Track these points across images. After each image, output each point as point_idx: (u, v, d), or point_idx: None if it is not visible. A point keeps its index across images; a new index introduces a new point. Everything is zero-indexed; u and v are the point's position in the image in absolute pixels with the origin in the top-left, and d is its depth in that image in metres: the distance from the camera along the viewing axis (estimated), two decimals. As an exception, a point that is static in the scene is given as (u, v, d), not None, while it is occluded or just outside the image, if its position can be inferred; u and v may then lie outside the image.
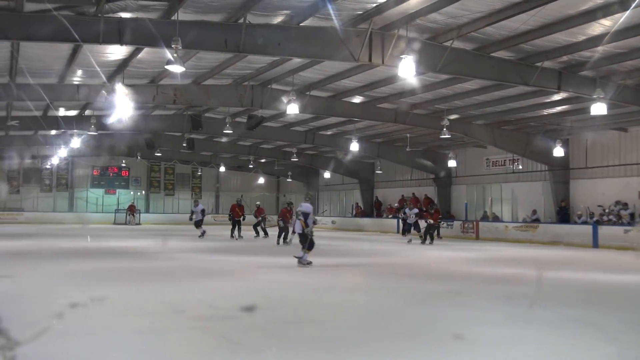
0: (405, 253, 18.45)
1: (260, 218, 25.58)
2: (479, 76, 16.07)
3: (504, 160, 28.74)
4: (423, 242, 22.70)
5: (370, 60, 14.11)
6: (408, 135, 27.79)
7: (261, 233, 25.08)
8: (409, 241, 23.05)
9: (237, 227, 24.04)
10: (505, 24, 12.99)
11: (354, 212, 38.83)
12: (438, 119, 22.11)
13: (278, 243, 21.02)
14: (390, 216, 34.51)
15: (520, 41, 14.10)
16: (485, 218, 28.74)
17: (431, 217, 23.01)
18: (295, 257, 13.42)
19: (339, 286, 10.83)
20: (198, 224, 24.25)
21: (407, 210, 24.99)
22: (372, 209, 37.60)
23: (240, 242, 21.87)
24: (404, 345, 6.08)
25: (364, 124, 26.38)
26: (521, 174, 27.93)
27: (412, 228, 23.97)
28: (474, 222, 27.67)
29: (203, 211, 24.71)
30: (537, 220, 25.43)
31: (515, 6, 12.01)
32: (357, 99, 21.51)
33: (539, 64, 15.44)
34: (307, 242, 13.28)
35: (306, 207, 13.69)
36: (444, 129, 21.39)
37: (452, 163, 29.13)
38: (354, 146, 27.02)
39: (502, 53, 15.21)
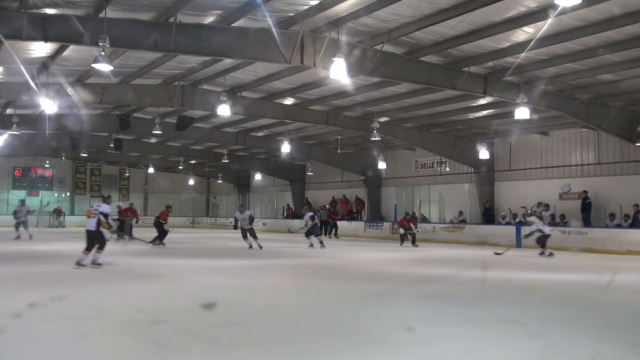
0: (336, 254, 18.58)
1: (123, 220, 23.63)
2: (409, 80, 16.36)
3: (432, 163, 29.35)
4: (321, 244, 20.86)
5: (302, 62, 14.16)
6: (339, 137, 28.03)
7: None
8: (311, 245, 21.03)
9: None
10: (434, 29, 13.29)
11: (285, 214, 38.84)
12: (368, 121, 22.38)
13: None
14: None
15: (449, 46, 14.46)
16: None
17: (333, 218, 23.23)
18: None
19: (269, 287, 10.82)
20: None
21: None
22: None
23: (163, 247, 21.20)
24: (335, 346, 6.13)
25: (295, 126, 26.44)
26: (448, 176, 28.60)
27: (316, 231, 21.66)
28: (403, 223, 28.12)
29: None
30: (463, 222, 26.10)
31: (443, 12, 12.29)
32: (288, 101, 21.54)
33: (466, 69, 15.86)
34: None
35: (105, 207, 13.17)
36: (374, 132, 21.66)
37: (381, 165, 29.54)
38: (286, 147, 27.07)
39: (431, 57, 15.55)
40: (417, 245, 22.20)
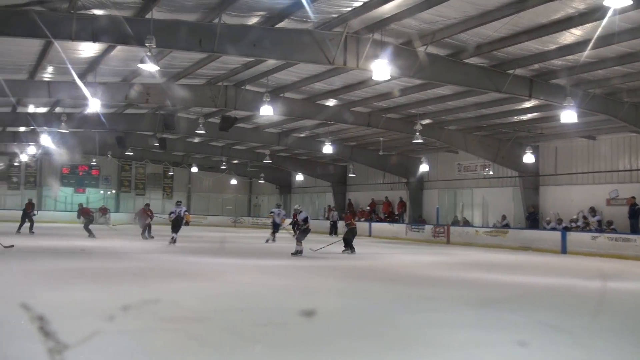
0: (377, 256, 18.52)
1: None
2: (453, 82, 16.22)
3: (476, 166, 29.00)
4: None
5: (344, 63, 14.15)
6: (381, 139, 27.93)
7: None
8: (267, 241, 23.88)
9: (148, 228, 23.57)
10: (479, 31, 13.13)
11: (326, 215, 38.85)
12: (411, 123, 22.23)
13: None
14: (363, 219, 34.62)
15: (493, 48, 14.27)
16: (456, 222, 28.97)
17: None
18: None
19: (309, 288, 10.83)
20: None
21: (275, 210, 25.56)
22: (344, 211, 37.62)
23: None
24: (374, 349, 6.10)
25: (337, 127, 26.43)
26: (492, 180, 28.21)
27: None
28: (445, 227, 27.88)
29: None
30: (507, 226, 25.71)
31: (488, 14, 12.15)
32: (331, 102, 21.55)
33: (511, 72, 15.63)
34: None
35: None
36: (417, 134, 21.52)
37: (424, 167, 29.32)
38: (327, 149, 27.08)
39: (476, 59, 15.37)
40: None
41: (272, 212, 25.83)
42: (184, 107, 23.34)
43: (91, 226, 23.53)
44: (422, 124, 21.76)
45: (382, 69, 13.39)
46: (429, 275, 13.36)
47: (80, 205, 26.42)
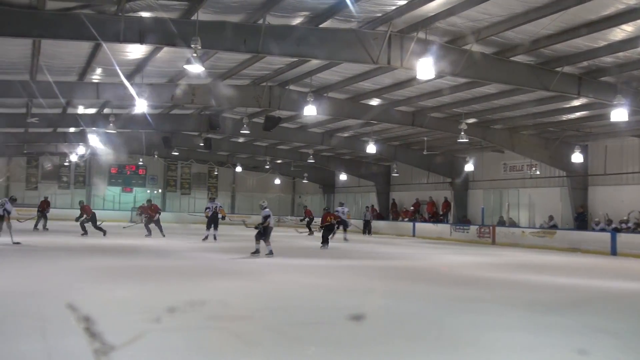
0: (421, 257, 18.38)
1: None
2: (498, 80, 15.97)
3: (522, 165, 28.54)
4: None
5: (389, 62, 14.08)
6: (425, 138, 27.71)
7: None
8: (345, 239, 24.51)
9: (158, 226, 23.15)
10: (526, 28, 12.90)
11: (370, 215, 38.72)
12: (456, 122, 22.01)
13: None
14: (406, 219, 34.44)
15: (541, 45, 13.99)
16: (501, 223, 28.55)
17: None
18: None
19: (353, 288, 10.80)
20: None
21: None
22: (388, 211, 37.51)
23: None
24: (418, 350, 6.05)
25: (381, 127, 26.35)
26: (539, 179, 27.71)
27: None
28: (491, 227, 27.49)
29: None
30: (554, 227, 25.21)
31: (536, 10, 11.92)
32: (374, 101, 21.47)
33: (559, 69, 15.32)
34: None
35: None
36: (462, 133, 21.29)
37: (469, 167, 28.98)
38: (371, 148, 27.00)
39: (522, 57, 15.11)
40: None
41: (337, 211, 26.39)
42: (228, 107, 23.55)
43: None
44: (467, 123, 21.53)
45: (426, 67, 13.29)
46: (475, 276, 13.19)
47: (81, 202, 25.91)
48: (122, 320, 6.88)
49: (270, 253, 15.94)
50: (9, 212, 17.82)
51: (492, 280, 12.65)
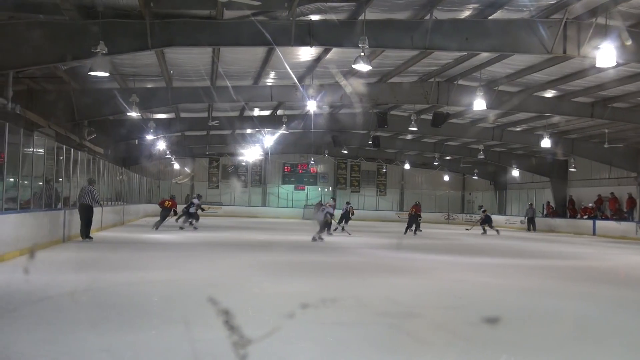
0: (602, 257, 17.23)
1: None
2: (692, 65, 14.56)
3: None
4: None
5: (564, 52, 13.36)
6: (606, 130, 25.87)
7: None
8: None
9: (180, 216, 23.17)
10: None
11: (545, 212, 36.99)
12: (641, 112, 20.36)
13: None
14: (585, 217, 32.45)
15: None
16: (697, 221, 25.99)
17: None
18: None
19: (526, 288, 10.36)
20: None
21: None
22: (565, 209, 35.55)
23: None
24: (596, 355, 5.68)
25: (556, 119, 25.01)
26: None
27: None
28: (684, 226, 25.13)
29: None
30: None
31: None
32: (549, 93, 20.46)
33: None
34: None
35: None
36: (648, 124, 19.66)
37: (657, 160, 26.67)
38: (546, 142, 25.70)
39: None
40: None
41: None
42: (396, 104, 23.61)
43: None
44: (654, 113, 19.85)
45: (607, 55, 12.40)
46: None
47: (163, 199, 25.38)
48: (297, 310, 7.13)
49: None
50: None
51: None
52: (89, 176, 17.98)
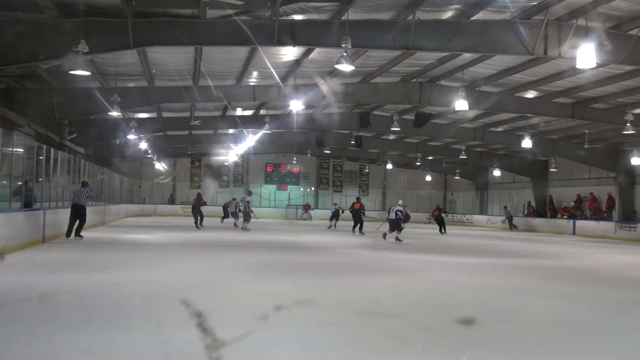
0: (581, 256, 17.39)
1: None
2: (670, 66, 14.75)
3: (698, 158, 26.11)
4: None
5: (545, 52, 13.48)
6: (586, 131, 26.13)
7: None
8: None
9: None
10: (702, 7, 11.81)
11: (526, 212, 37.29)
12: (621, 113, 20.55)
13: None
14: (566, 216, 32.76)
15: None
16: (675, 221, 26.34)
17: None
18: None
19: (507, 288, 10.42)
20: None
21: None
22: (545, 208, 35.86)
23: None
24: (580, 354, 5.72)
25: (537, 120, 25.20)
26: None
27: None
28: (662, 225, 25.45)
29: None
30: None
31: None
32: (530, 94, 20.61)
33: None
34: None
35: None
36: (628, 124, 19.86)
37: (635, 161, 26.96)
38: (527, 143, 25.91)
39: (697, 40, 13.82)
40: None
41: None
42: (378, 104, 23.66)
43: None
44: (633, 114, 20.05)
45: (587, 56, 12.51)
46: (643, 278, 12.26)
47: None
48: (278, 311, 7.10)
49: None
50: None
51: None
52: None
